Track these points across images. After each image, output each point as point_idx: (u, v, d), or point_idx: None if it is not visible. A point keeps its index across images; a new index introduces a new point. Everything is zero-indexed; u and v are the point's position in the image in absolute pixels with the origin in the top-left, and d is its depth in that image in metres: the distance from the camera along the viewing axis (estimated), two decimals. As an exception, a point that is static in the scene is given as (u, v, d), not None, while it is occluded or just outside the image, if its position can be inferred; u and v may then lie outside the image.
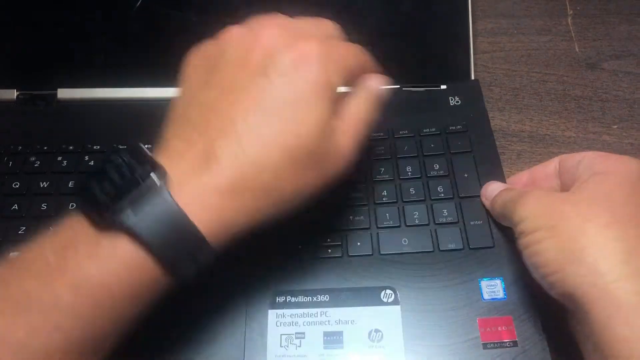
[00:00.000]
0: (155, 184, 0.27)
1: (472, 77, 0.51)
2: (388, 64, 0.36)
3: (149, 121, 0.33)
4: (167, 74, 0.34)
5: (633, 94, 0.52)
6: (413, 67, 0.52)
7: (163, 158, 0.28)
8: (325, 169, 0.31)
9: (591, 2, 0.59)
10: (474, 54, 0.51)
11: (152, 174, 0.27)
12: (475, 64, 0.51)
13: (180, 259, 0.28)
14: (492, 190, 0.41)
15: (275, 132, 0.29)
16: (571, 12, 0.59)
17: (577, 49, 0.56)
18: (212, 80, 0.31)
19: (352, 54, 0.33)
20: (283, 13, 0.33)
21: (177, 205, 0.27)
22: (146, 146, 0.29)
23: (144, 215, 0.26)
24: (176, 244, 0.27)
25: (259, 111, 0.29)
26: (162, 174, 0.27)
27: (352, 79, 0.33)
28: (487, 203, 0.41)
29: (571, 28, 0.58)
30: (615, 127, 0.50)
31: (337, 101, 0.31)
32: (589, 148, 0.48)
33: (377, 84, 0.34)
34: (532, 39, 0.57)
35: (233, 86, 0.30)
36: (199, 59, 0.32)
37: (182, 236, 0.27)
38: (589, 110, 0.51)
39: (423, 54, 0.52)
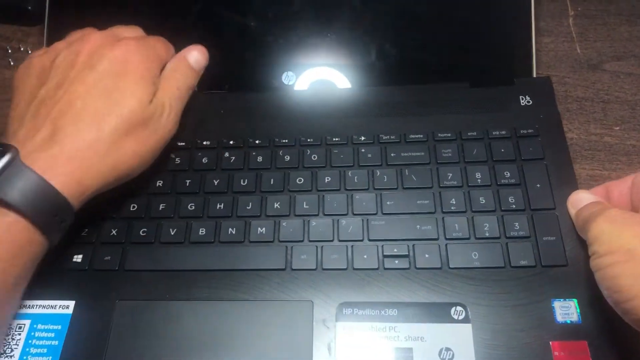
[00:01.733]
0: (15, 161, 0.34)
1: (534, 75, 0.49)
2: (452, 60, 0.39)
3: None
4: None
5: (635, 95, 0.51)
6: (476, 64, 0.50)
7: (14, 143, 0.35)
8: (154, 131, 0.39)
9: (592, 3, 0.58)
10: (535, 51, 0.49)
11: (7, 154, 0.34)
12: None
13: (48, 220, 0.35)
14: (578, 200, 0.39)
15: (107, 109, 0.37)
16: (572, 13, 0.57)
17: (578, 50, 0.55)
18: (45, 81, 0.38)
19: (161, 45, 0.42)
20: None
21: (37, 174, 0.34)
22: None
23: (12, 187, 0.33)
24: (43, 207, 0.34)
25: (91, 94, 0.37)
26: (14, 152, 0.34)
27: (164, 63, 0.42)
28: (572, 212, 0.39)
29: (572, 29, 0.56)
30: (617, 128, 0.49)
31: (157, 80, 0.40)
32: (591, 150, 0.48)
33: (188, 54, 0.43)
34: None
35: (66, 80, 0.38)
36: (29, 69, 0.40)
37: (47, 199, 0.34)
38: (590, 112, 0.50)
39: (484, 51, 0.51)
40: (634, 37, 0.55)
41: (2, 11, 0.57)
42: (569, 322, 0.37)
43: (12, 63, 0.54)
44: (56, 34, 0.44)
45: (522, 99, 0.47)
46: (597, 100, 0.51)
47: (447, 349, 0.36)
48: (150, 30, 0.44)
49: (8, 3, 0.56)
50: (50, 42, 0.43)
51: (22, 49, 0.56)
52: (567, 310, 0.37)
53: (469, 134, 0.45)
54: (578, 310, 0.37)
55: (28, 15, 0.57)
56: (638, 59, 0.54)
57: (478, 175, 0.43)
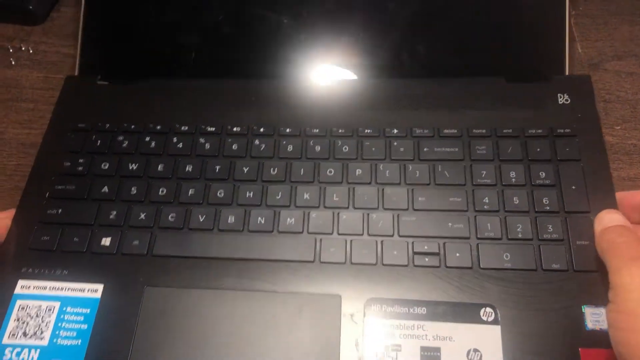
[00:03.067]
0: None
1: (567, 72, 0.48)
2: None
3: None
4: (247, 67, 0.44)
5: (636, 95, 0.51)
6: (513, 59, 0.49)
7: None
8: None
9: (593, 3, 0.58)
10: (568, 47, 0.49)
11: None
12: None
13: None
14: (609, 220, 0.37)
15: None
16: (573, 12, 0.57)
17: (579, 50, 0.54)
18: None
19: None
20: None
21: None
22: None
23: None
24: None
25: None
26: None
27: None
28: (597, 228, 0.37)
29: (573, 28, 0.56)
30: (618, 127, 0.49)
31: None
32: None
33: None
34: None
35: None
36: None
37: None
38: (591, 111, 0.49)
39: (521, 45, 0.50)
40: (634, 37, 0.55)
41: (3, 11, 0.57)
42: (599, 329, 0.36)
43: (13, 63, 0.55)
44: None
45: (560, 97, 0.46)
46: (598, 100, 0.51)
47: (476, 350, 0.36)
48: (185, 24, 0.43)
49: (9, 3, 0.56)
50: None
51: (23, 48, 0.56)
52: (598, 317, 0.37)
53: (504, 131, 0.44)
54: (610, 318, 0.36)
55: (29, 15, 0.57)
56: (639, 59, 0.54)
57: (512, 174, 0.42)
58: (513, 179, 0.42)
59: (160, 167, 0.44)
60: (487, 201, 0.41)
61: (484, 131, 0.44)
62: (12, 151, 0.50)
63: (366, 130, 0.45)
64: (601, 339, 0.36)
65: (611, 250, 0.35)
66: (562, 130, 0.44)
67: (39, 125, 0.48)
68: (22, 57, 0.55)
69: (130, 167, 0.44)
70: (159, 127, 0.46)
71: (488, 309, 0.38)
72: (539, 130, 0.44)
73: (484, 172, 0.43)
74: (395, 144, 0.44)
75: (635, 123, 0.50)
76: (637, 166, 0.47)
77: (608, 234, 0.36)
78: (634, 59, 0.54)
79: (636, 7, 0.57)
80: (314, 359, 0.37)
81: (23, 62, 0.55)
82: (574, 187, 0.41)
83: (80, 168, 0.44)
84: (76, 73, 0.51)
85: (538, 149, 0.43)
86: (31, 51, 0.56)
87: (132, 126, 0.46)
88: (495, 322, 0.37)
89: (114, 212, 0.42)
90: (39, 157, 0.45)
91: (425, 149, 0.44)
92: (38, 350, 0.37)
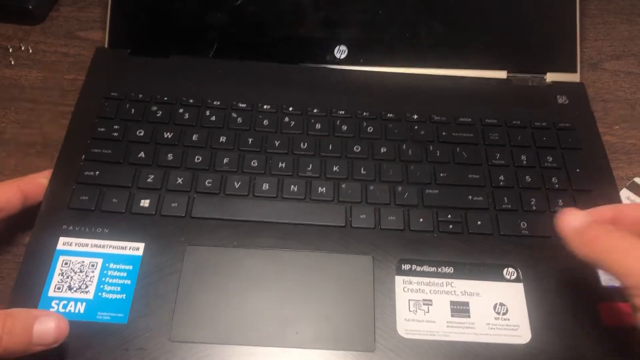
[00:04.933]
0: None
1: (578, 69, 0.53)
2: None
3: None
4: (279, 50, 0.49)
5: (634, 94, 0.53)
6: (519, 54, 0.54)
7: None
8: None
9: (592, 2, 0.59)
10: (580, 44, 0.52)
11: None
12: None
13: None
14: (573, 220, 0.33)
15: None
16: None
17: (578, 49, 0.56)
18: None
19: None
20: None
21: None
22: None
23: None
24: None
25: None
26: None
27: None
28: (564, 232, 0.33)
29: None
30: (617, 127, 0.51)
31: None
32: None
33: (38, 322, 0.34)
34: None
35: None
36: None
37: None
38: (590, 111, 0.51)
39: (525, 41, 0.54)
40: (633, 37, 0.57)
41: (2, 10, 0.57)
42: (613, 285, 0.40)
43: (12, 62, 0.55)
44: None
45: (559, 97, 0.51)
46: (597, 99, 0.53)
47: (502, 304, 0.39)
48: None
49: (9, 2, 0.57)
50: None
51: (22, 48, 0.56)
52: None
53: (513, 122, 0.49)
54: (619, 277, 0.40)
55: (29, 15, 0.57)
56: (638, 58, 0.56)
57: (523, 157, 0.47)
58: (524, 162, 0.46)
59: (195, 137, 0.46)
60: (502, 178, 0.45)
61: (495, 121, 0.49)
62: (11, 151, 0.49)
63: (388, 114, 0.49)
64: (616, 294, 0.39)
65: (601, 256, 0.32)
66: (563, 125, 0.49)
67: (38, 125, 0.48)
68: (21, 57, 0.55)
69: (166, 136, 0.46)
70: (191, 101, 0.48)
71: (510, 269, 0.41)
72: (544, 123, 0.49)
73: (498, 155, 0.47)
74: (416, 127, 0.48)
75: (634, 123, 0.51)
76: (636, 165, 0.49)
77: (587, 234, 0.33)
78: (633, 59, 0.55)
79: (635, 7, 0.59)
80: (351, 314, 0.39)
81: (22, 62, 0.54)
82: (578, 170, 0.46)
83: (115, 134, 0.46)
84: (106, 45, 0.52)
85: (544, 138, 0.48)
86: (30, 51, 0.56)
87: (165, 98, 0.48)
88: (517, 279, 0.40)
89: (152, 176, 0.44)
90: (72, 123, 0.46)
91: (443, 133, 0.48)
92: (84, 304, 0.38)
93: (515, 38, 0.53)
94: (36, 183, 0.42)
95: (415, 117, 0.49)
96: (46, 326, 0.33)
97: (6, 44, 0.56)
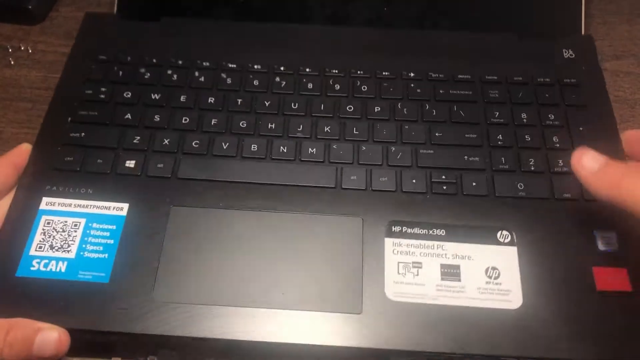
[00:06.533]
0: None
1: (583, 31, 0.50)
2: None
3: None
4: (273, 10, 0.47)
5: (634, 94, 0.52)
6: (524, 16, 0.52)
7: None
8: None
9: (591, 2, 0.58)
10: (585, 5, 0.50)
11: None
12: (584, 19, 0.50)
13: None
14: (589, 160, 0.33)
15: None
16: None
17: None
18: None
19: None
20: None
21: None
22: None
23: None
24: None
25: None
26: None
27: None
28: (582, 173, 0.33)
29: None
30: (617, 127, 0.48)
31: None
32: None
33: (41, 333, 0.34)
34: None
35: None
36: None
37: None
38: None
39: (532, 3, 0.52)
40: (633, 37, 0.56)
41: (2, 10, 0.56)
42: (610, 250, 0.38)
43: (12, 62, 0.54)
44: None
45: (565, 52, 0.49)
46: None
47: (494, 268, 0.38)
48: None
49: (8, 2, 0.56)
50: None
51: (22, 48, 0.55)
52: (608, 240, 0.39)
53: (514, 78, 0.47)
54: (618, 241, 0.39)
55: (29, 15, 0.56)
56: (637, 58, 0.54)
57: (524, 115, 0.44)
58: (524, 120, 0.44)
59: (182, 98, 0.45)
60: (500, 138, 0.43)
61: (495, 78, 0.47)
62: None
63: (384, 73, 0.47)
64: (612, 259, 0.38)
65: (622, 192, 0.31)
66: (568, 80, 0.46)
67: (38, 124, 0.46)
68: (20, 57, 0.55)
69: (153, 97, 0.45)
70: (180, 62, 0.47)
71: (504, 232, 0.39)
72: (547, 79, 0.47)
73: (497, 113, 0.45)
74: (412, 85, 0.46)
75: (634, 123, 0.49)
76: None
77: (602, 180, 0.32)
78: (633, 59, 0.54)
79: (634, 7, 0.58)
80: (339, 276, 0.38)
81: (22, 62, 0.54)
82: (581, 129, 0.44)
83: (102, 96, 0.45)
84: (114, 11, 0.52)
85: (547, 95, 0.46)
86: (30, 51, 0.55)
87: (154, 60, 0.47)
88: (511, 243, 0.39)
89: (138, 137, 0.43)
90: (59, 86, 0.46)
91: (441, 91, 0.46)
92: (65, 263, 0.38)
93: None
94: (24, 152, 0.42)
95: (412, 75, 0.47)
96: (48, 339, 0.33)
97: (6, 44, 0.56)
